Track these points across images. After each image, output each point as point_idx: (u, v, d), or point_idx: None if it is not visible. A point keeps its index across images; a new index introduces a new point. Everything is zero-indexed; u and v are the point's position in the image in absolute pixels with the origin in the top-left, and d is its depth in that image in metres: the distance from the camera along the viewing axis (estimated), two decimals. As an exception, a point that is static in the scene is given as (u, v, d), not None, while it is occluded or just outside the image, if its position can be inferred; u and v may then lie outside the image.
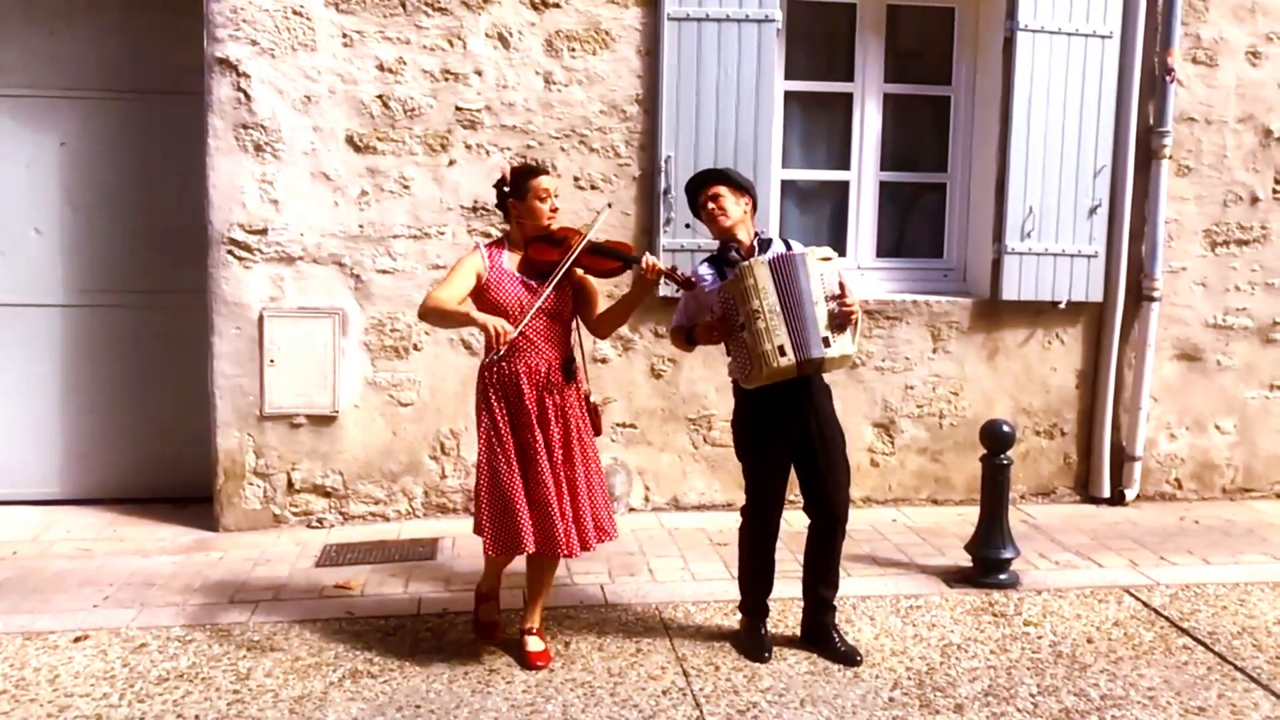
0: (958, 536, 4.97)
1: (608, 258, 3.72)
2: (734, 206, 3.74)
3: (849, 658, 3.77)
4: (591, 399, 3.82)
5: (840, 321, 3.58)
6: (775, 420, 3.71)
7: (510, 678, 3.63)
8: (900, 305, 5.59)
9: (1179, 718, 3.43)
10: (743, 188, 3.79)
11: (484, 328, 3.46)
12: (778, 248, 3.80)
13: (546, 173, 3.73)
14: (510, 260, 3.68)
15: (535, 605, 3.83)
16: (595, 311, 3.83)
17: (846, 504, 3.82)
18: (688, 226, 5.16)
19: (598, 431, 3.83)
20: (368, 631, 4.00)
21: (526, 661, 3.70)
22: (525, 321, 3.55)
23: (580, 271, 3.75)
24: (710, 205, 3.74)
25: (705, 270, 3.80)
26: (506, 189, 3.71)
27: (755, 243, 3.78)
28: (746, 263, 3.57)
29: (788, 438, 3.72)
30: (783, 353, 3.50)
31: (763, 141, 5.28)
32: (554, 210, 3.68)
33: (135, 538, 5.06)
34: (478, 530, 3.70)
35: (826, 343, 3.53)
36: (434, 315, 3.61)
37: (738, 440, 3.87)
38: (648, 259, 3.61)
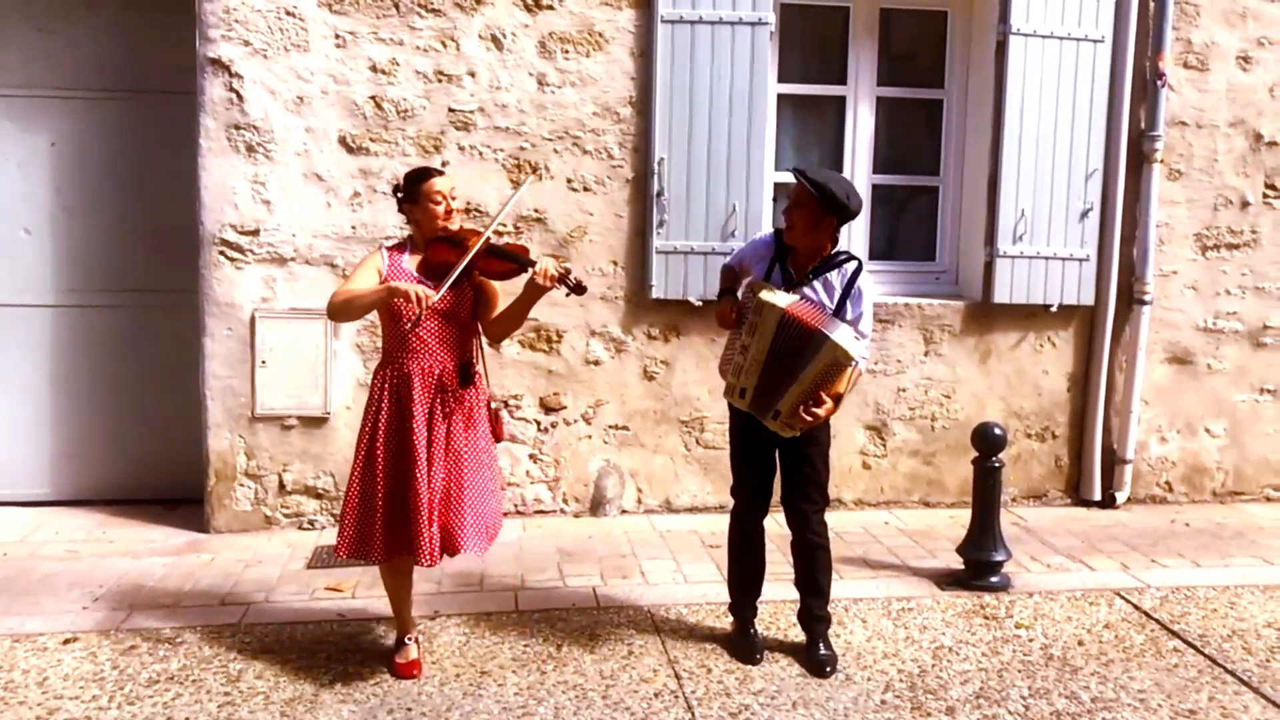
0: (949, 539, 4.98)
1: (504, 260, 3.60)
2: (809, 229, 3.54)
3: (819, 666, 3.72)
4: (494, 405, 3.74)
5: (806, 409, 3.49)
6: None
7: (502, 680, 3.62)
8: (892, 308, 5.60)
9: (1170, 720, 3.44)
10: (836, 208, 3.50)
11: (404, 294, 3.38)
12: (834, 275, 3.59)
13: (440, 174, 3.63)
14: (410, 261, 3.63)
15: (408, 610, 3.80)
16: (494, 315, 3.70)
17: (819, 505, 3.77)
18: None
19: (498, 438, 3.75)
20: (359, 633, 3.99)
21: (397, 671, 3.67)
22: (429, 304, 3.43)
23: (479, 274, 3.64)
24: (789, 212, 3.59)
25: (764, 245, 3.73)
26: (400, 195, 3.67)
27: (819, 261, 3.60)
28: (768, 301, 3.47)
29: (769, 434, 3.68)
30: (742, 395, 3.60)
31: (755, 144, 5.28)
32: (449, 212, 3.58)
33: (125, 539, 5.04)
34: (340, 533, 3.63)
35: (775, 415, 3.56)
36: (342, 307, 3.49)
37: (730, 420, 3.90)
38: (542, 264, 3.49)
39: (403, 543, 3.54)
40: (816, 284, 3.61)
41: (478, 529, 3.58)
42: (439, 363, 3.58)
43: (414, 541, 3.48)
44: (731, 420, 3.88)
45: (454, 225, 3.62)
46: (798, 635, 3.92)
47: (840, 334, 3.43)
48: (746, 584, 3.92)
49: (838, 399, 3.55)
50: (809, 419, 3.51)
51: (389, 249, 3.69)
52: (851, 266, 3.63)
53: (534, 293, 3.54)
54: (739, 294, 3.76)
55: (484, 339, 3.78)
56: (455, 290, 3.55)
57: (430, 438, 3.54)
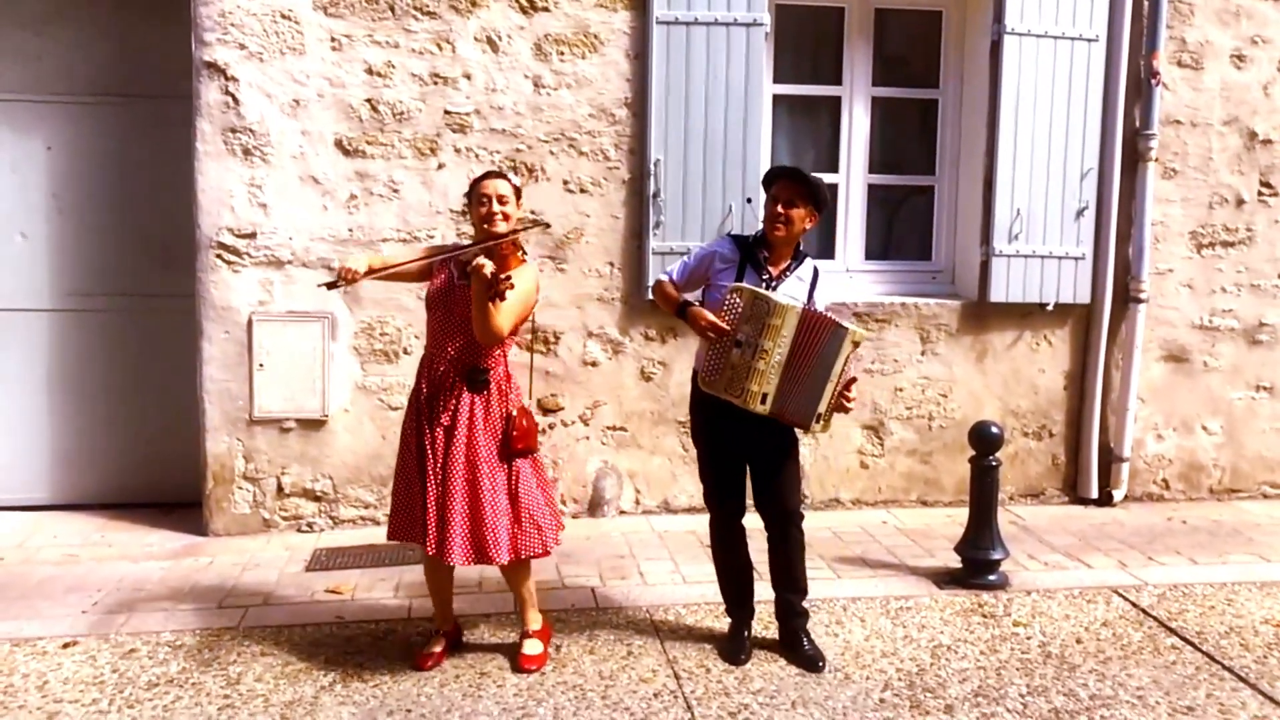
0: (947, 538, 4.99)
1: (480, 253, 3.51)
2: (801, 226, 3.63)
3: (811, 662, 3.74)
4: (513, 415, 3.61)
5: (838, 406, 3.61)
6: (726, 418, 3.68)
7: (501, 681, 3.63)
8: (889, 308, 5.61)
9: (1167, 717, 3.44)
10: (821, 204, 3.64)
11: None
12: (806, 269, 3.72)
13: (495, 176, 3.65)
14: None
15: (520, 609, 3.83)
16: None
17: (796, 504, 3.79)
18: (749, 201, 5.15)
19: (504, 453, 3.59)
20: (358, 636, 3.99)
21: (517, 664, 3.70)
22: (377, 273, 3.57)
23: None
24: (778, 209, 3.61)
25: (727, 249, 3.71)
26: (465, 196, 3.74)
27: (792, 258, 3.71)
28: (783, 302, 3.50)
29: (736, 434, 3.69)
30: (763, 401, 3.53)
31: (751, 145, 5.29)
32: (490, 213, 3.56)
33: (124, 543, 5.04)
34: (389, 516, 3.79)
35: (819, 419, 3.58)
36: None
37: (693, 429, 3.89)
38: (478, 260, 3.39)
39: (421, 530, 3.59)
40: (791, 279, 3.69)
41: (465, 542, 3.55)
42: (442, 357, 3.61)
43: (425, 531, 3.55)
44: (699, 428, 3.84)
45: (501, 228, 3.58)
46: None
47: (847, 321, 3.57)
48: (735, 586, 3.91)
49: (852, 381, 3.66)
50: (852, 404, 3.64)
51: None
52: (809, 259, 3.78)
53: (475, 282, 3.43)
54: (722, 300, 3.60)
55: (528, 350, 3.83)
56: (461, 289, 3.55)
57: (433, 436, 3.57)
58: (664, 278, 3.83)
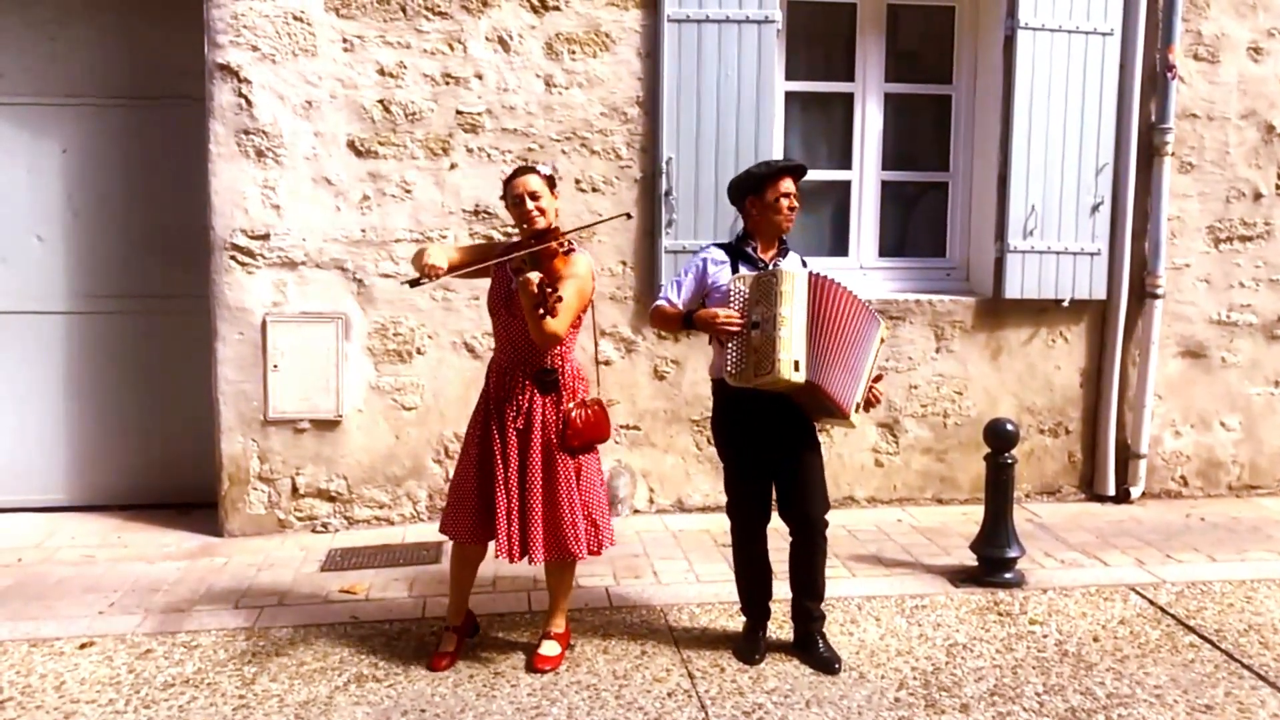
0: (963, 536, 4.96)
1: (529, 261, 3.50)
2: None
3: (827, 664, 3.72)
4: (571, 410, 3.59)
5: (868, 401, 3.64)
6: (753, 422, 3.68)
7: (515, 681, 3.63)
8: (903, 305, 5.58)
9: (1186, 716, 3.42)
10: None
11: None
12: (794, 257, 3.80)
13: (527, 171, 3.62)
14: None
15: (552, 609, 3.84)
16: None
17: (823, 511, 3.76)
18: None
19: (562, 446, 3.58)
20: (373, 636, 4.00)
21: (531, 663, 3.70)
22: (457, 270, 3.64)
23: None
24: (793, 201, 3.69)
25: (715, 253, 3.73)
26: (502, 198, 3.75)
27: (776, 248, 3.78)
28: (787, 269, 3.54)
29: (764, 441, 3.69)
30: (797, 368, 3.42)
31: (763, 142, 5.27)
32: (525, 211, 3.53)
33: (140, 544, 5.07)
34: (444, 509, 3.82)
35: (858, 408, 3.59)
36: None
37: (717, 441, 3.87)
38: (524, 276, 3.35)
39: (486, 532, 3.64)
40: (785, 262, 3.75)
41: (559, 537, 3.61)
42: (508, 357, 3.63)
43: (495, 534, 3.59)
44: (725, 437, 3.80)
45: (540, 224, 3.55)
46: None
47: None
48: (754, 588, 3.90)
49: (879, 377, 3.75)
50: (877, 402, 3.70)
51: None
52: (792, 251, 3.83)
53: (522, 296, 3.42)
54: (726, 294, 3.59)
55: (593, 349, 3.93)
56: (505, 289, 3.58)
57: (505, 437, 3.58)
58: (660, 301, 3.80)
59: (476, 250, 3.84)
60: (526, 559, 3.60)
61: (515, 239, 3.83)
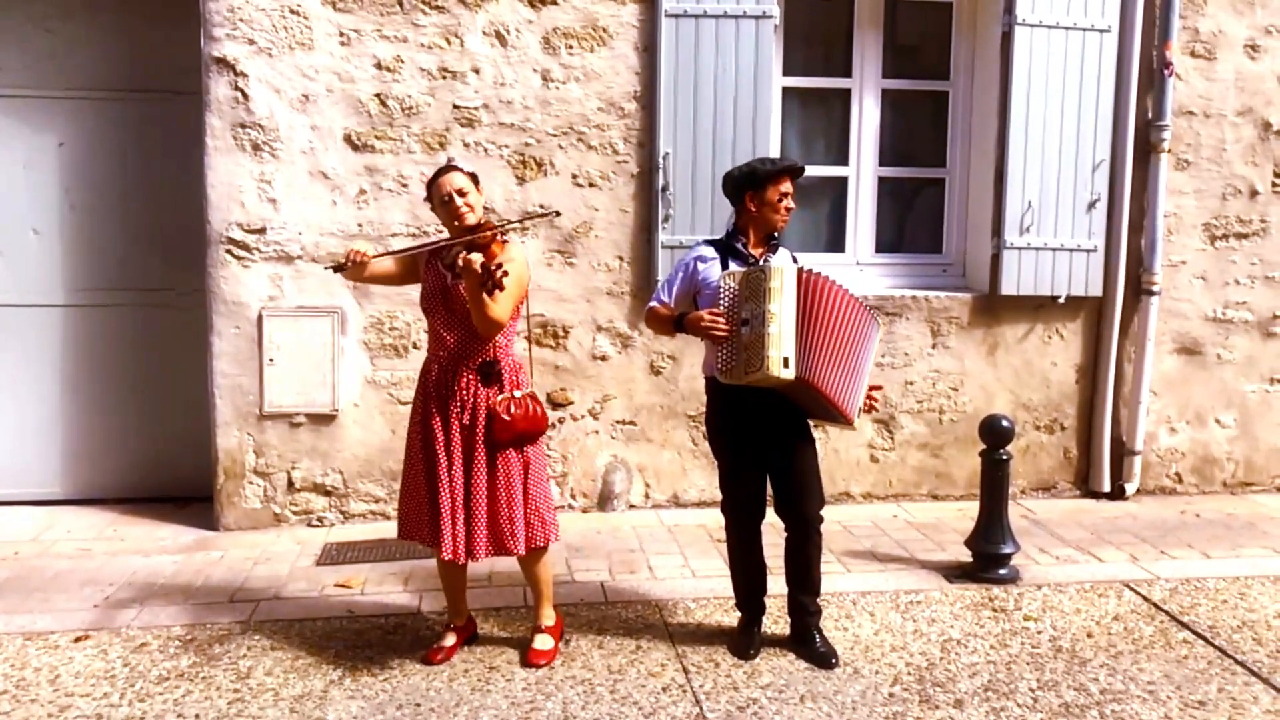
0: (958, 532, 4.97)
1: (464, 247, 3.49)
2: None
3: (824, 659, 3.73)
4: (499, 402, 3.55)
5: (867, 407, 3.67)
6: (748, 419, 3.68)
7: (510, 675, 3.63)
8: (899, 301, 5.59)
9: (1179, 712, 3.43)
10: None
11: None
12: (784, 253, 3.79)
13: (450, 170, 3.62)
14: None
15: (537, 602, 3.84)
16: None
17: (819, 508, 3.76)
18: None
19: (488, 440, 3.54)
20: (368, 630, 4.01)
21: (526, 658, 3.71)
22: (381, 256, 3.69)
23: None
24: (790, 201, 3.70)
25: (705, 250, 3.74)
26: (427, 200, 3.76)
27: (766, 244, 3.77)
28: (776, 265, 3.52)
29: (759, 437, 3.69)
30: (786, 365, 3.42)
31: (761, 138, 5.27)
32: (455, 209, 3.54)
33: (136, 537, 5.07)
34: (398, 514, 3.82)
35: (859, 411, 3.61)
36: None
37: (712, 439, 3.86)
38: (466, 256, 3.36)
39: (434, 533, 3.60)
40: (776, 258, 3.74)
41: (490, 536, 3.60)
42: (445, 350, 3.60)
43: (440, 533, 3.55)
44: (720, 435, 3.80)
45: (470, 220, 3.56)
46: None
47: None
48: (749, 584, 3.90)
49: (877, 387, 3.79)
50: (875, 407, 3.74)
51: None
52: (782, 248, 3.82)
53: (466, 279, 3.40)
54: (716, 291, 3.59)
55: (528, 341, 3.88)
56: (441, 284, 3.57)
57: (448, 434, 3.55)
58: (653, 303, 3.80)
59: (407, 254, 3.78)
60: (469, 558, 3.58)
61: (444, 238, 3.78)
